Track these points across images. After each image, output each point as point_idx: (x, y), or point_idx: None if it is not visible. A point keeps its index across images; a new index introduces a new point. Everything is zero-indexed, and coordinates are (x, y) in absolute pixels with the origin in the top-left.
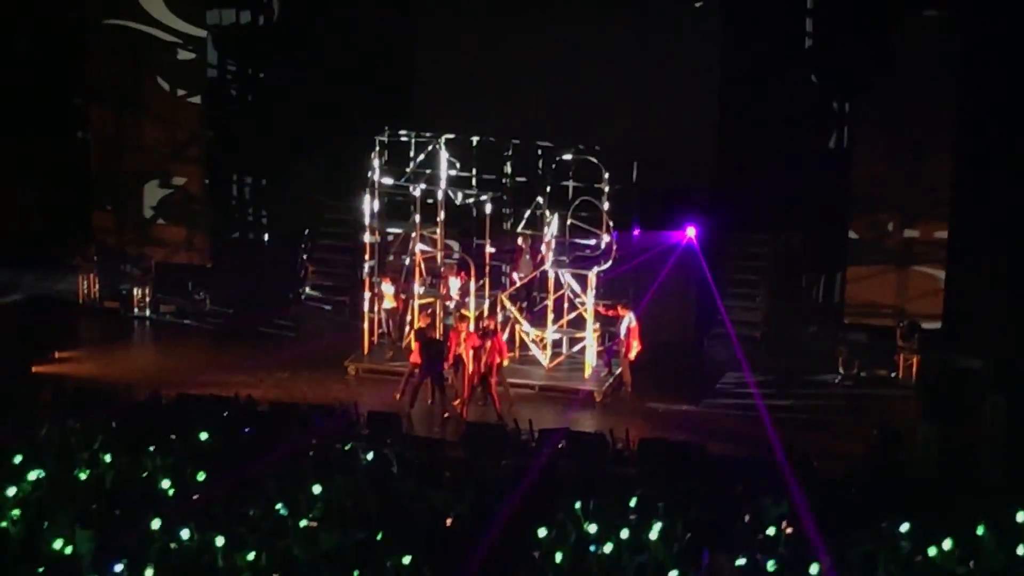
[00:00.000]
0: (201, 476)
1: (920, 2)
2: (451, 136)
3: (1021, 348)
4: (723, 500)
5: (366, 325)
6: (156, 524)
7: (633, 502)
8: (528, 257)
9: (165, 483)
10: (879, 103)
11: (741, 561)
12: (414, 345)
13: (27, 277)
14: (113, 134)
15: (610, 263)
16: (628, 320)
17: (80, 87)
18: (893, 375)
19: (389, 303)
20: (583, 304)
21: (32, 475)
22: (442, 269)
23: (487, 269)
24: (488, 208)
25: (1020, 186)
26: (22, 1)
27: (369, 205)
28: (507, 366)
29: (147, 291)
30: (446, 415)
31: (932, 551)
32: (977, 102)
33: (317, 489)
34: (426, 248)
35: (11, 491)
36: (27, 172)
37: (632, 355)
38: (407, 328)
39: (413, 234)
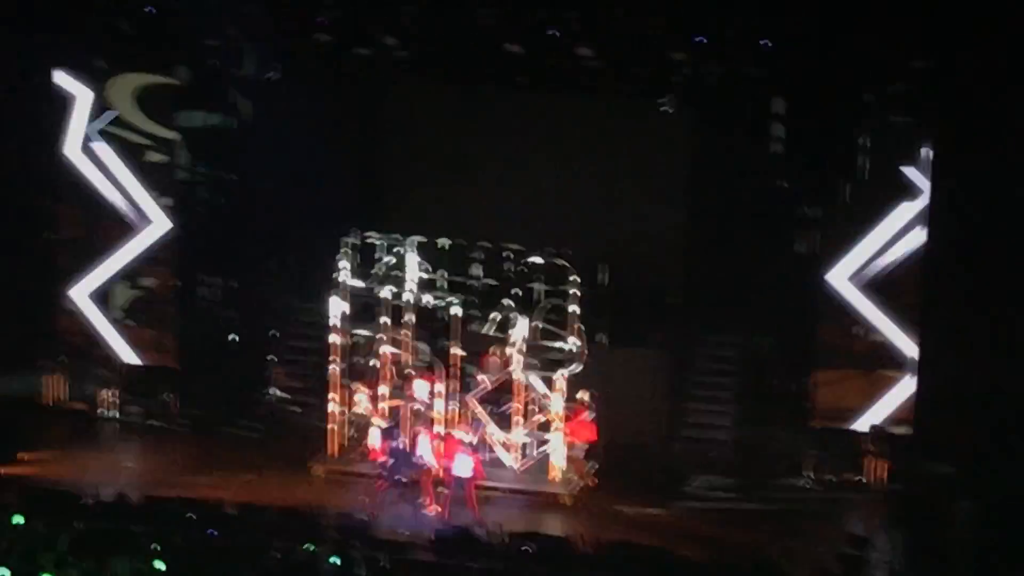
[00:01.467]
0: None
1: (886, 107)
2: (420, 239)
3: (990, 453)
4: None
5: (334, 427)
6: None
7: None
8: (496, 360)
9: None
10: (847, 207)
11: None
12: (379, 446)
13: None
14: (82, 233)
15: (578, 366)
16: (585, 416)
17: (47, 186)
18: (862, 480)
19: (362, 407)
20: (551, 407)
21: None
22: (410, 372)
23: (455, 372)
24: (456, 311)
25: (989, 290)
26: None
27: (337, 307)
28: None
29: (114, 392)
30: (418, 515)
31: None
32: (949, 209)
33: None
34: (394, 350)
35: None
36: None
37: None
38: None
39: (381, 336)
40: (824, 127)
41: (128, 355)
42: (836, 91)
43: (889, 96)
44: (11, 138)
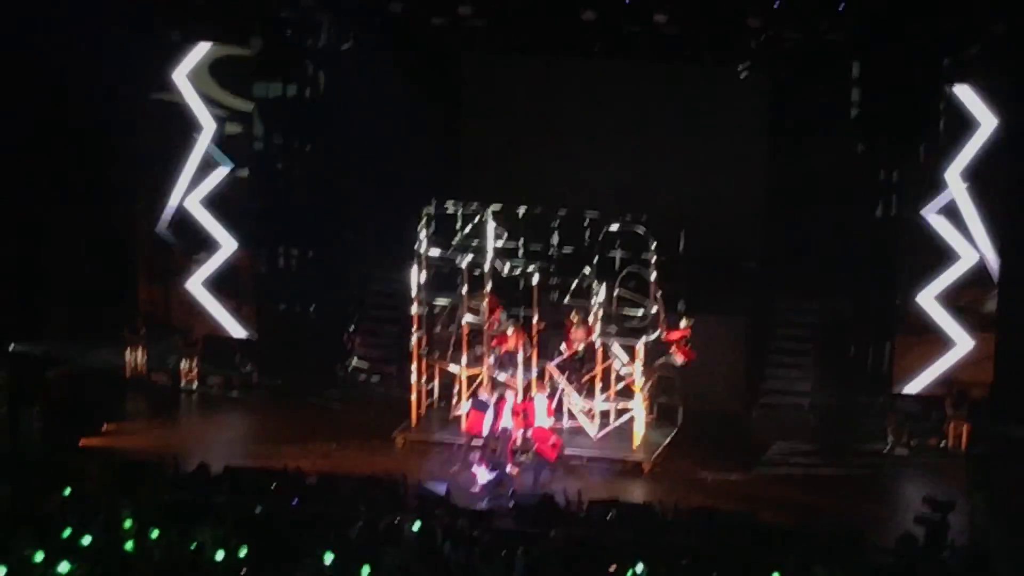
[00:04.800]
0: (243, 551)
1: (964, 72)
2: (497, 207)
3: None
4: (775, 570)
5: (414, 396)
6: None
7: (684, 572)
8: (576, 327)
9: (217, 555)
10: (925, 171)
11: None
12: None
13: (74, 349)
14: (161, 206)
15: (658, 333)
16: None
17: (129, 159)
18: (943, 444)
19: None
20: (631, 374)
21: (83, 549)
22: (490, 339)
23: (535, 340)
24: (535, 279)
25: None
26: (69, 73)
27: (416, 276)
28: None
29: (194, 363)
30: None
31: None
32: None
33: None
34: (473, 319)
35: (62, 567)
36: (75, 244)
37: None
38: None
39: (460, 305)
40: (902, 90)
41: (208, 326)
42: (913, 54)
43: (967, 59)
44: (91, 98)
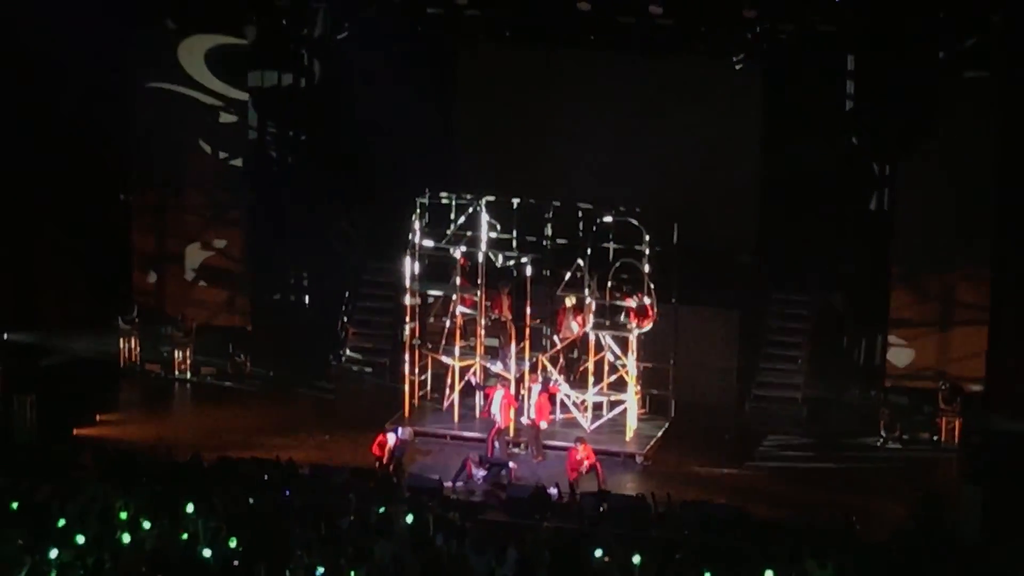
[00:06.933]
0: (233, 542)
1: (960, 65)
2: (491, 198)
3: None
4: (767, 563)
5: (406, 387)
6: None
7: (675, 565)
8: (569, 319)
9: (206, 551)
10: (920, 165)
11: None
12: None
13: (68, 340)
14: (154, 197)
15: (650, 325)
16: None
17: (123, 149)
18: (935, 438)
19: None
20: (624, 366)
21: (77, 540)
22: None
23: (527, 331)
24: (529, 270)
25: None
26: (64, 64)
27: (410, 267)
28: (545, 428)
29: (188, 353)
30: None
31: None
32: (1019, 164)
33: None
34: (466, 310)
35: (53, 553)
36: (68, 234)
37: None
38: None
39: (454, 296)
40: (897, 83)
41: (201, 316)
42: (909, 47)
43: (964, 51)
44: (85, 89)
